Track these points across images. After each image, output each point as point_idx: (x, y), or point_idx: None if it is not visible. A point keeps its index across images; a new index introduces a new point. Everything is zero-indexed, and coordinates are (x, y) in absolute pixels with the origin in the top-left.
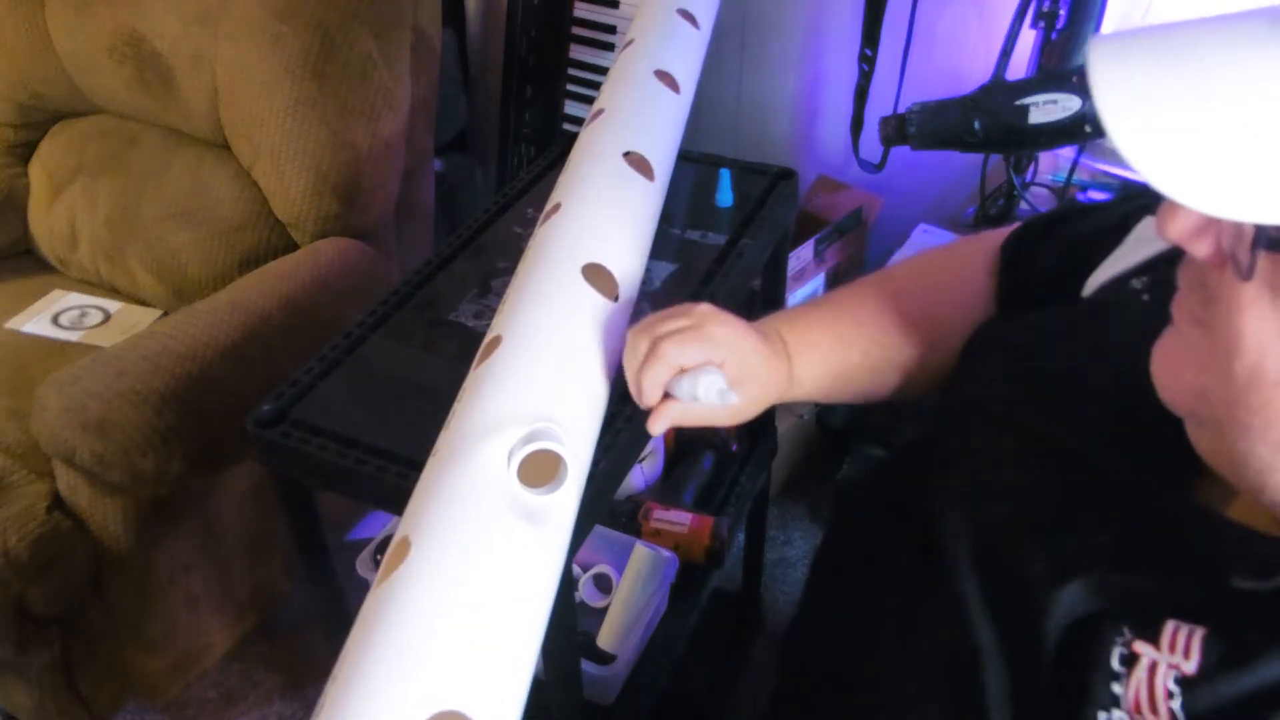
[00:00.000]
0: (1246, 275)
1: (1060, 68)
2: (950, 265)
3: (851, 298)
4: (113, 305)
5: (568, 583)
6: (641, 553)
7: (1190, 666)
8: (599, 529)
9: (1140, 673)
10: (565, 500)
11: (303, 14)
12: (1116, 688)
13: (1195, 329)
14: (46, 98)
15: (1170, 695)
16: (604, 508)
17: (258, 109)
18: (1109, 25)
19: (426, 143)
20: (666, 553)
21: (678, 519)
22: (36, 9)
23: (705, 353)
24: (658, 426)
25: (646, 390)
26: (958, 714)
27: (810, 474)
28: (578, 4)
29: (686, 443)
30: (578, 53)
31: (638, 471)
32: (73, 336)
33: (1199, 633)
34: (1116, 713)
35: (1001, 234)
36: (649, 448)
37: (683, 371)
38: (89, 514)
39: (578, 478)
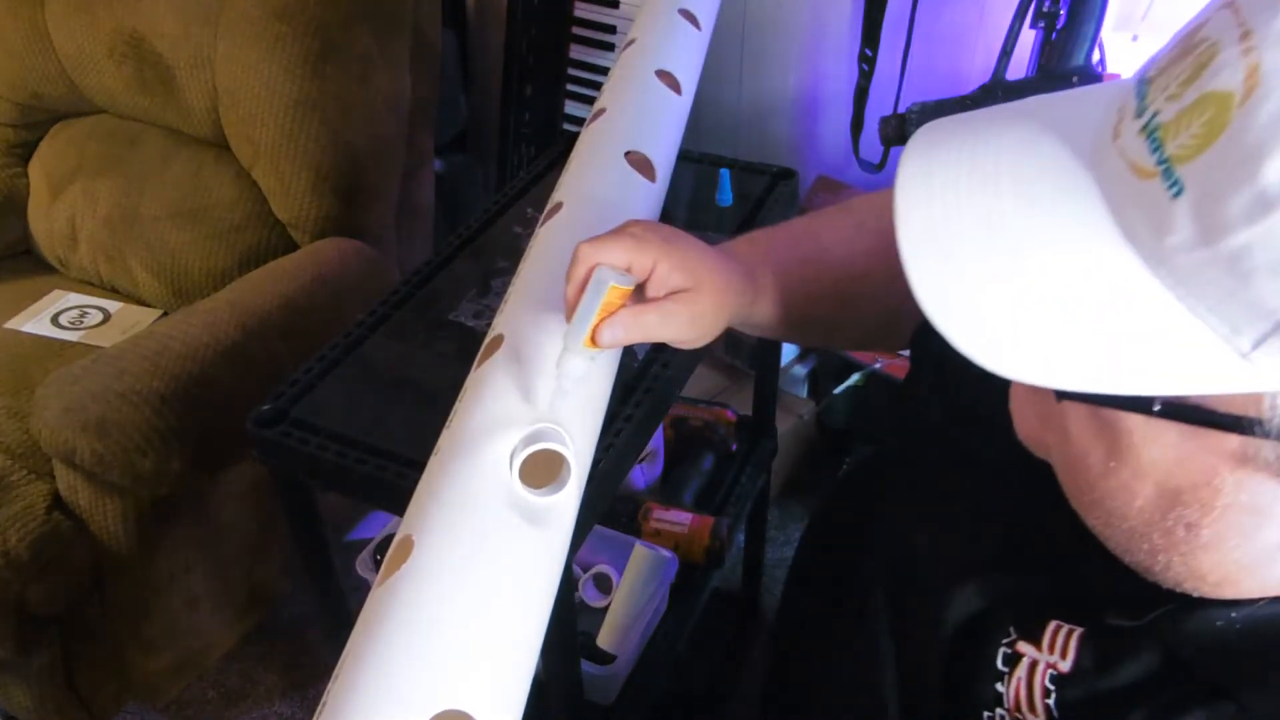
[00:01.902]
0: (1056, 399)
1: (1060, 68)
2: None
3: (808, 221)
4: (113, 305)
5: (568, 583)
6: (641, 553)
7: (1066, 665)
8: (599, 529)
9: (1021, 671)
10: (567, 501)
11: (303, 14)
12: (1000, 687)
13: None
14: (46, 98)
15: (1047, 693)
16: (604, 508)
17: (258, 109)
18: (1109, 25)
19: (426, 143)
20: (666, 553)
21: (678, 519)
22: (36, 9)
23: (625, 247)
24: (605, 336)
25: (570, 299)
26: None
27: (810, 474)
28: (578, 4)
29: (686, 443)
30: (578, 53)
31: (638, 471)
32: (73, 336)
33: (1077, 632)
34: (999, 711)
35: None
36: (649, 448)
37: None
38: (89, 514)
39: (579, 478)
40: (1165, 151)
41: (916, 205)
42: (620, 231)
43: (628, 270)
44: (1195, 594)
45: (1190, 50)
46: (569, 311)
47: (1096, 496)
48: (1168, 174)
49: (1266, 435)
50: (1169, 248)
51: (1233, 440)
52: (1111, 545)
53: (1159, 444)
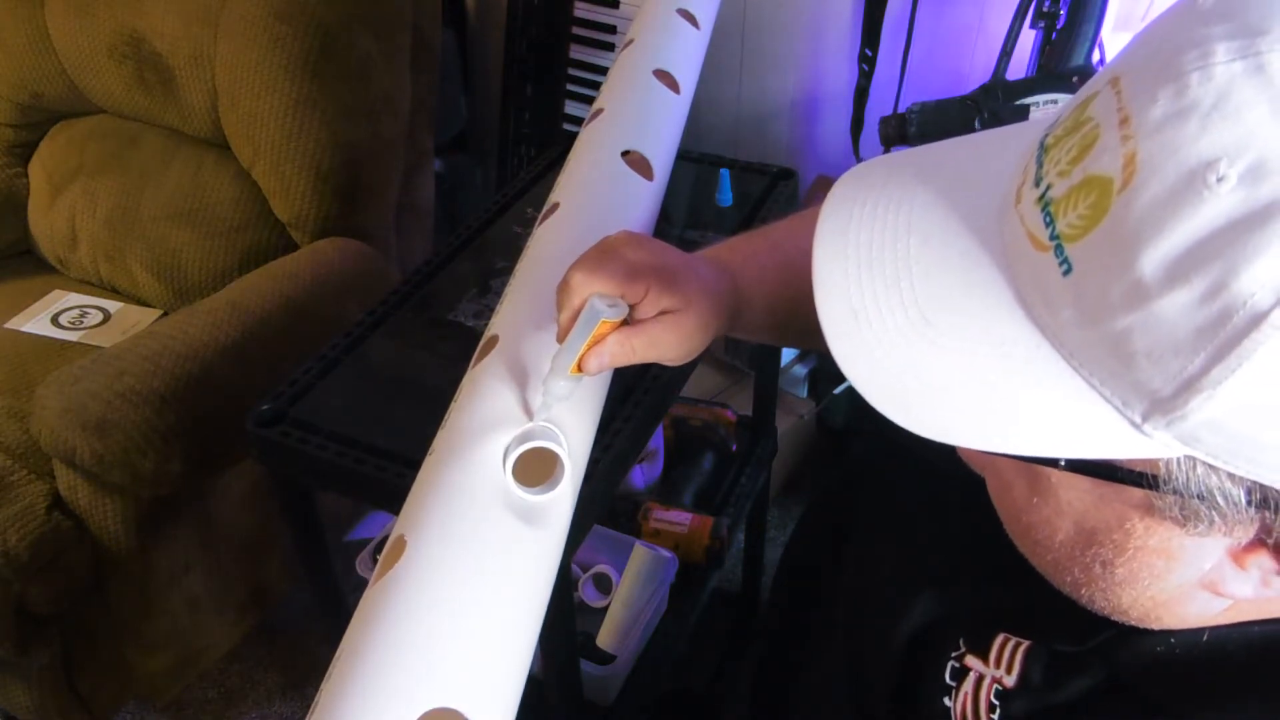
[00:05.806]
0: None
1: (1060, 68)
2: None
3: (789, 225)
4: (113, 305)
5: (567, 583)
6: (641, 553)
7: (1010, 680)
8: (599, 529)
9: (967, 686)
10: (561, 499)
11: (303, 14)
12: (947, 701)
13: None
14: (46, 98)
15: (992, 708)
16: (604, 508)
17: (258, 109)
18: (1109, 25)
19: (426, 143)
20: (666, 553)
21: (678, 519)
22: (36, 9)
23: (618, 276)
24: (591, 365)
25: (563, 326)
26: None
27: (810, 474)
28: (578, 4)
29: (686, 443)
30: (578, 53)
31: (638, 471)
32: (73, 336)
33: (1024, 646)
34: None
35: None
36: (649, 448)
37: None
38: (89, 514)
39: (574, 477)
40: (1057, 228)
41: (833, 259)
42: (613, 256)
43: (621, 297)
44: (1125, 624)
45: (1079, 127)
46: (561, 335)
47: (1024, 526)
48: (1059, 250)
49: (1168, 492)
50: (1061, 322)
51: (1138, 492)
52: (1042, 572)
53: (1074, 489)
